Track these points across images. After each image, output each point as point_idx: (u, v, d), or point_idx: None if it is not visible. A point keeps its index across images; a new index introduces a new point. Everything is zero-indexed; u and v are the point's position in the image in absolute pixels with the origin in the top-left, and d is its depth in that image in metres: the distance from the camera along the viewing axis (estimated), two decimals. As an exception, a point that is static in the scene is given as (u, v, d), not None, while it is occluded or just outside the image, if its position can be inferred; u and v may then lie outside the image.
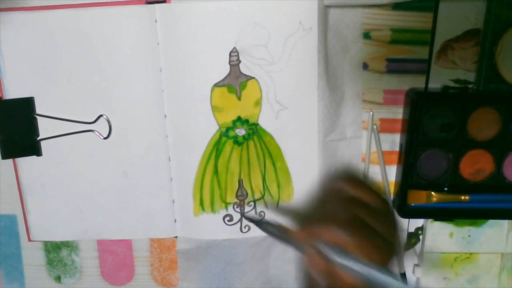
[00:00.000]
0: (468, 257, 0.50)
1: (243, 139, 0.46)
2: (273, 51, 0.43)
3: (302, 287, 0.37)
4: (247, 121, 0.45)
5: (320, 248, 0.35)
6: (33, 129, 0.46)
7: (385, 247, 0.35)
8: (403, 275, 0.51)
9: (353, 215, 0.35)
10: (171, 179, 0.48)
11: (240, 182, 0.47)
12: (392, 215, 0.38)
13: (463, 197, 0.46)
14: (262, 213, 0.48)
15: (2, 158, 0.47)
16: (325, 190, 0.38)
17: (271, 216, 0.47)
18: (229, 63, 0.43)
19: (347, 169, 0.41)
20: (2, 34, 0.44)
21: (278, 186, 0.47)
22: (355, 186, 0.37)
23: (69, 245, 0.51)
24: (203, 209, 0.48)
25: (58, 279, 0.52)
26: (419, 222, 0.50)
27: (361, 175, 0.41)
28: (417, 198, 0.47)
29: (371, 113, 0.47)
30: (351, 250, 0.34)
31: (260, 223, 0.41)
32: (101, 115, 0.46)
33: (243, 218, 0.48)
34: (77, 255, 0.51)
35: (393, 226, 0.37)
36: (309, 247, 0.35)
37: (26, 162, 0.47)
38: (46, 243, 0.51)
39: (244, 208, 0.48)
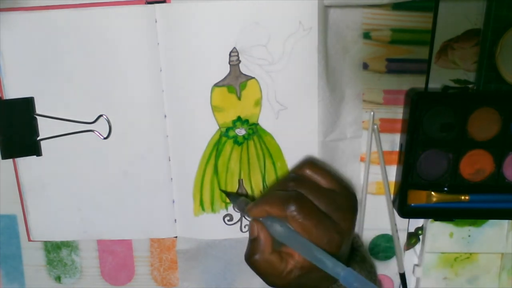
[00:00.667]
0: (468, 257, 0.50)
1: (243, 139, 0.46)
2: (273, 51, 0.43)
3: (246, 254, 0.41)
4: (247, 121, 0.45)
5: (265, 221, 0.40)
6: (33, 129, 0.46)
7: (331, 229, 0.37)
8: (403, 275, 0.51)
9: (299, 193, 0.39)
10: (171, 179, 0.48)
11: (240, 182, 0.47)
12: (350, 203, 0.41)
13: (463, 197, 0.46)
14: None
15: (2, 158, 0.47)
16: (287, 174, 0.43)
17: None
18: (229, 63, 0.43)
19: (310, 157, 0.46)
20: (2, 34, 0.44)
21: (278, 186, 0.47)
22: (312, 169, 0.41)
23: (69, 245, 0.51)
24: (203, 209, 0.48)
25: (58, 279, 0.52)
26: (419, 222, 0.50)
27: (322, 163, 0.46)
28: (417, 198, 0.47)
29: (372, 113, 0.47)
30: (293, 226, 0.36)
31: (230, 195, 0.46)
32: (101, 115, 0.46)
33: (221, 191, 0.47)
34: (77, 255, 0.51)
35: (349, 214, 0.40)
36: (257, 220, 0.40)
37: (26, 162, 0.47)
38: (46, 243, 0.51)
39: (244, 208, 0.48)
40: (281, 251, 0.39)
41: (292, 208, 0.37)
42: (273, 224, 0.39)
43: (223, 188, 0.47)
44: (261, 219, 0.40)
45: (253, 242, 0.40)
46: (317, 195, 0.39)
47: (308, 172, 0.41)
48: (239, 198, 0.44)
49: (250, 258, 0.40)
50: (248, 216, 0.42)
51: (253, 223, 0.40)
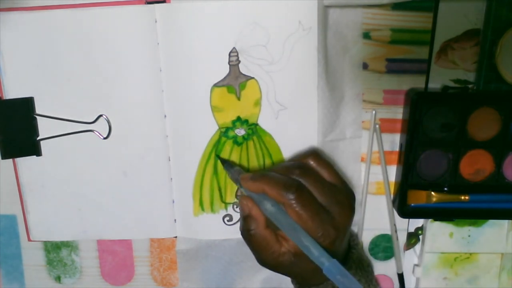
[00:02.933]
0: (468, 257, 0.50)
1: (242, 139, 0.46)
2: (273, 51, 0.43)
3: (240, 229, 0.41)
4: (246, 121, 0.45)
5: (257, 198, 0.39)
6: (33, 129, 0.46)
7: (327, 223, 0.37)
8: (401, 276, 0.51)
9: (301, 182, 0.39)
10: (171, 179, 0.48)
11: (240, 182, 0.47)
12: (349, 200, 0.41)
13: (463, 197, 0.46)
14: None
15: (2, 158, 0.47)
16: (292, 161, 0.43)
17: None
18: (229, 63, 0.43)
19: (315, 148, 0.45)
20: (2, 34, 0.44)
21: (278, 186, 0.47)
22: (317, 161, 0.41)
23: (69, 245, 0.51)
24: (202, 209, 0.48)
25: (58, 279, 0.52)
26: (419, 222, 0.50)
27: (326, 155, 0.46)
28: (417, 198, 0.47)
29: (374, 112, 0.47)
30: (289, 214, 0.36)
31: (225, 163, 0.45)
32: (101, 115, 0.46)
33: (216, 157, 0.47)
34: (77, 255, 0.51)
35: (347, 210, 0.40)
36: (247, 198, 0.40)
37: (26, 162, 0.47)
38: (46, 243, 0.51)
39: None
40: (277, 233, 0.40)
41: (291, 196, 0.37)
42: (265, 202, 0.38)
43: (221, 187, 0.47)
44: (254, 195, 0.40)
45: (245, 219, 0.40)
46: (318, 187, 0.39)
47: (312, 163, 0.41)
48: (233, 167, 0.44)
49: (245, 233, 0.40)
50: (241, 186, 0.41)
51: (243, 201, 0.40)
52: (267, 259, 0.40)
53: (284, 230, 0.38)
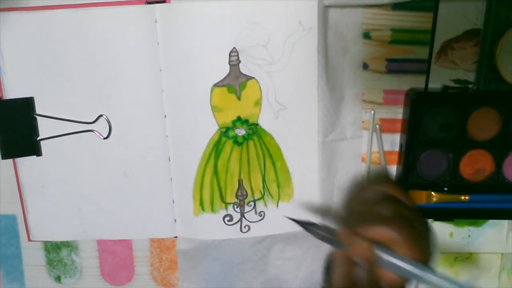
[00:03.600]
0: (468, 257, 0.50)
1: (243, 139, 0.46)
2: (273, 51, 0.43)
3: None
4: (247, 121, 0.45)
5: (378, 253, 0.34)
6: (33, 129, 0.46)
7: (425, 245, 0.35)
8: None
9: (395, 212, 0.34)
10: (171, 179, 0.48)
11: (240, 182, 0.47)
12: (423, 216, 0.37)
13: (463, 197, 0.46)
14: (262, 213, 0.48)
15: (2, 158, 0.47)
16: (361, 190, 0.37)
17: (309, 217, 0.42)
18: (229, 63, 0.43)
19: (380, 171, 0.42)
20: (2, 34, 0.44)
21: (278, 186, 0.47)
22: (391, 187, 0.36)
23: (69, 245, 0.51)
24: (203, 209, 0.48)
25: (58, 279, 0.52)
26: (419, 222, 0.50)
27: (393, 177, 0.41)
28: (417, 198, 0.47)
29: (372, 112, 0.47)
30: (395, 248, 0.33)
31: (305, 224, 0.38)
32: (101, 115, 0.46)
33: (293, 221, 0.40)
34: (77, 255, 0.51)
35: (427, 226, 0.36)
36: (360, 242, 0.34)
37: (26, 162, 0.47)
38: (46, 243, 0.51)
39: (244, 208, 0.48)
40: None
41: (393, 233, 0.33)
42: (378, 251, 0.34)
43: (221, 187, 0.47)
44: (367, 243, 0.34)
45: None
46: (408, 211, 0.35)
47: (386, 187, 0.36)
48: (313, 225, 0.38)
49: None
50: (339, 246, 0.35)
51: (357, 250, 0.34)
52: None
53: (401, 275, 0.35)
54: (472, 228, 0.49)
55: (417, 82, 0.46)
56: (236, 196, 0.47)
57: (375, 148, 0.48)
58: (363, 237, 0.34)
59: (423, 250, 0.34)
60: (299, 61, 0.43)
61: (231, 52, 0.43)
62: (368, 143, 0.47)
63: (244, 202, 0.48)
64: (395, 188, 0.36)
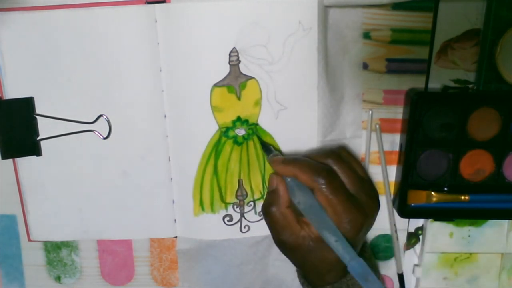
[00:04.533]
0: (468, 257, 0.50)
1: (242, 139, 0.46)
2: (273, 51, 0.43)
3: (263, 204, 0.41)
4: (246, 121, 0.45)
5: (289, 182, 0.39)
6: (33, 129, 0.46)
7: (356, 210, 0.37)
8: (401, 276, 0.51)
9: (332, 168, 0.39)
10: (171, 179, 0.48)
11: (239, 182, 0.47)
12: (376, 193, 0.42)
13: (463, 197, 0.46)
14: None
15: (2, 158, 0.47)
16: (323, 149, 0.44)
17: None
18: (229, 63, 0.43)
19: (345, 145, 0.47)
20: (2, 34, 0.44)
21: (278, 186, 0.47)
22: (347, 154, 0.42)
23: (69, 245, 0.51)
24: (203, 209, 0.48)
25: (58, 279, 0.52)
26: (419, 222, 0.50)
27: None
28: (417, 198, 0.47)
29: (370, 112, 0.47)
30: (319, 199, 0.36)
31: (264, 145, 0.45)
32: (101, 115, 0.46)
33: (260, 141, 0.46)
34: (77, 255, 0.51)
35: (375, 202, 0.41)
36: (277, 177, 0.40)
37: (26, 162, 0.47)
38: (46, 243, 0.51)
39: (244, 208, 0.48)
40: (298, 217, 0.40)
41: (322, 180, 0.38)
42: (295, 185, 0.39)
43: (221, 187, 0.47)
44: (287, 178, 0.40)
45: (271, 193, 0.40)
46: (349, 176, 0.39)
47: (343, 154, 0.42)
48: (272, 152, 0.44)
49: (266, 209, 0.40)
50: (272, 166, 0.42)
51: (273, 175, 0.40)
52: (286, 239, 0.40)
53: (310, 221, 0.38)
54: (472, 228, 0.49)
55: (417, 82, 0.46)
56: (236, 196, 0.47)
57: (375, 148, 0.48)
58: (287, 171, 0.39)
59: (348, 210, 0.38)
60: (299, 61, 0.43)
61: (231, 52, 0.43)
62: (366, 143, 0.48)
63: (244, 202, 0.48)
64: (353, 158, 0.42)
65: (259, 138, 0.45)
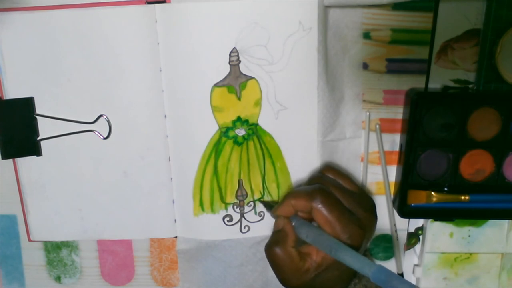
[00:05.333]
0: (468, 257, 0.50)
1: (242, 139, 0.46)
2: (273, 51, 0.43)
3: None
4: (247, 121, 0.45)
5: (293, 220, 0.41)
6: (33, 129, 0.46)
7: (354, 224, 0.38)
8: (401, 276, 0.51)
9: (324, 187, 0.40)
10: (171, 179, 0.48)
11: (240, 182, 0.47)
12: (372, 204, 0.43)
13: (463, 197, 0.46)
14: (262, 213, 0.48)
15: (2, 158, 0.47)
16: (310, 177, 0.45)
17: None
18: (229, 63, 0.43)
19: (329, 163, 0.47)
20: (2, 34, 0.44)
21: (278, 186, 0.47)
22: (333, 173, 0.43)
23: (69, 245, 0.51)
24: (203, 209, 0.48)
25: (58, 279, 0.52)
26: (419, 222, 0.50)
27: (341, 168, 0.48)
28: (417, 198, 0.47)
29: (368, 113, 0.47)
30: (317, 219, 0.37)
31: (265, 203, 0.47)
32: (101, 115, 0.46)
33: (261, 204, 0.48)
34: (77, 255, 0.51)
35: (371, 213, 0.42)
36: (283, 218, 0.41)
37: (26, 162, 0.47)
38: (46, 243, 0.51)
39: (244, 208, 0.48)
40: (300, 251, 0.40)
41: (318, 200, 0.38)
42: (299, 223, 0.39)
43: (221, 187, 0.47)
44: (292, 221, 0.41)
45: (276, 233, 0.41)
46: (341, 192, 0.40)
47: (329, 175, 0.43)
48: (269, 204, 0.46)
49: (270, 249, 0.40)
50: (274, 214, 0.42)
51: (280, 217, 0.41)
52: (291, 279, 0.40)
53: (320, 247, 0.38)
54: (472, 228, 0.49)
55: (417, 82, 0.46)
56: (236, 196, 0.47)
57: (375, 148, 0.48)
58: (286, 208, 0.41)
59: (346, 225, 0.38)
60: (299, 61, 0.44)
61: (231, 52, 0.43)
62: (364, 143, 0.48)
63: (244, 202, 0.48)
64: (338, 175, 0.43)
65: (262, 201, 0.47)
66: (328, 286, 0.41)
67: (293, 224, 0.40)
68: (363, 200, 0.41)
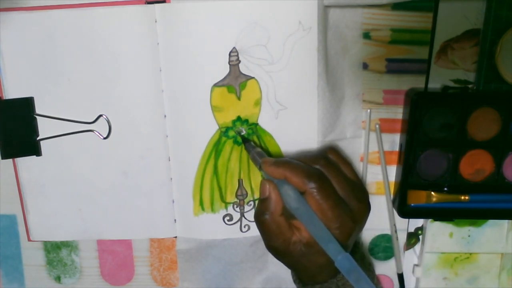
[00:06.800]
0: (468, 257, 0.50)
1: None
2: (273, 51, 0.43)
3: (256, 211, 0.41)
4: (246, 121, 0.45)
5: (280, 184, 0.39)
6: (33, 129, 0.46)
7: (346, 215, 0.38)
8: (401, 276, 0.51)
9: (323, 172, 0.39)
10: (171, 179, 0.48)
11: (239, 182, 0.47)
12: (367, 197, 0.42)
13: (463, 197, 0.46)
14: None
15: (2, 158, 0.47)
16: (311, 152, 0.44)
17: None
18: (229, 63, 0.43)
19: (334, 146, 0.47)
20: (2, 34, 0.44)
21: (278, 186, 0.47)
22: (337, 157, 0.42)
23: (69, 245, 0.51)
24: (203, 209, 0.48)
25: (58, 279, 0.52)
26: (419, 222, 0.50)
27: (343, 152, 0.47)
28: (417, 198, 0.47)
29: (369, 111, 0.47)
30: (310, 203, 0.36)
31: (246, 142, 0.45)
32: (101, 115, 0.46)
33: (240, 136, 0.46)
34: (77, 255, 0.51)
35: (365, 206, 0.41)
36: (269, 180, 0.40)
37: (26, 162, 0.47)
38: (46, 243, 0.51)
39: (244, 208, 0.48)
40: (290, 222, 0.39)
41: (313, 185, 0.37)
42: (288, 189, 0.38)
43: (221, 187, 0.47)
44: (275, 180, 0.39)
45: (263, 201, 0.40)
46: (339, 180, 0.39)
47: (332, 157, 0.42)
48: (255, 148, 0.43)
49: (259, 217, 0.40)
50: (261, 170, 0.41)
51: (265, 182, 0.40)
52: (279, 246, 0.40)
53: (300, 219, 0.38)
54: (472, 228, 0.49)
55: (417, 82, 0.46)
56: (236, 196, 0.48)
57: (375, 148, 0.48)
58: (278, 174, 0.39)
59: (338, 215, 0.38)
60: (299, 61, 0.44)
61: (231, 52, 0.43)
62: (365, 142, 0.48)
63: (244, 201, 0.48)
64: (337, 157, 0.42)
65: (241, 135, 0.45)
66: (313, 272, 0.41)
67: (281, 185, 0.39)
68: (359, 190, 0.41)
